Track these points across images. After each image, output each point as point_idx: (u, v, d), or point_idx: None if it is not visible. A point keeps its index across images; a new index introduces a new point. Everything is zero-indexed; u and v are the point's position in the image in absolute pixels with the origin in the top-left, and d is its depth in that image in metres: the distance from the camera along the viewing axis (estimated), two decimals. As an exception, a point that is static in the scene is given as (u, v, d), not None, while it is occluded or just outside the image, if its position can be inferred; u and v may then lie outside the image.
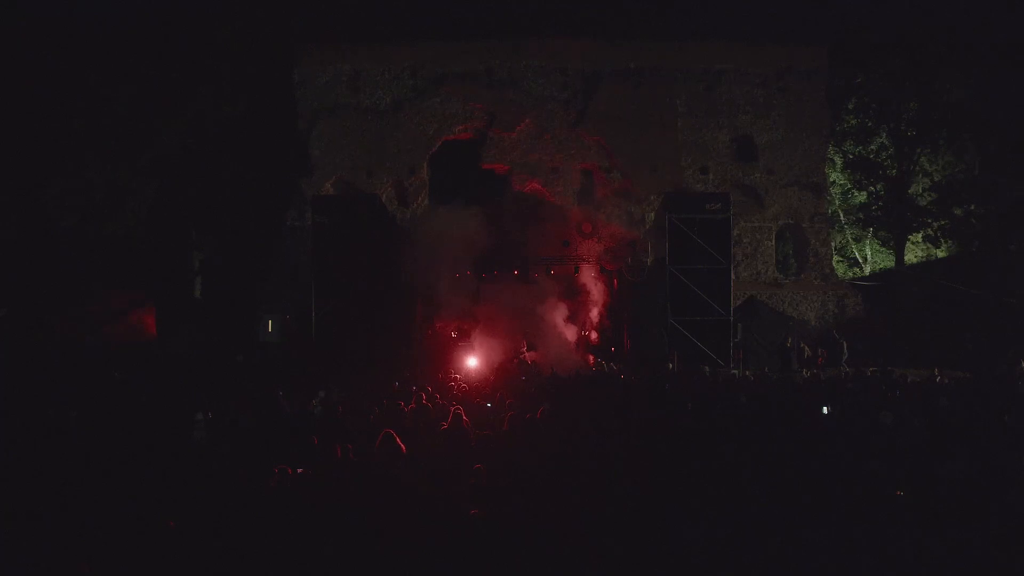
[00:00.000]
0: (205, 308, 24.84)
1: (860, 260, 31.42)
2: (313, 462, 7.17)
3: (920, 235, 28.73)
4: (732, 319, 21.41)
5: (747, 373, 19.62)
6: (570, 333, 24.77)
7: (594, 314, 25.71)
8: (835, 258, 28.92)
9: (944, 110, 27.66)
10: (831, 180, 29.39)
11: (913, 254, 29.55)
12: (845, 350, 22.50)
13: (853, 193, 30.28)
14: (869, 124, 29.08)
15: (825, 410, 10.23)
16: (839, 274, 28.52)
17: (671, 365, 20.37)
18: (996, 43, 27.06)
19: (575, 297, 25.48)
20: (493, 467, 6.73)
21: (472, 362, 21.31)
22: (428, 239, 21.41)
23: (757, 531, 5.15)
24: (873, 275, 29.72)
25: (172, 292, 24.55)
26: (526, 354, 23.56)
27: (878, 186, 28.75)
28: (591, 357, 23.06)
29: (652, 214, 25.39)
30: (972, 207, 27.32)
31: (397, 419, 9.26)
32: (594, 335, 24.98)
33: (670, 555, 4.68)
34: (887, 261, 30.27)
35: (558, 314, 24.40)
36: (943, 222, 27.71)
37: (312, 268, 20.19)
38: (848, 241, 31.44)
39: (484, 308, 24.71)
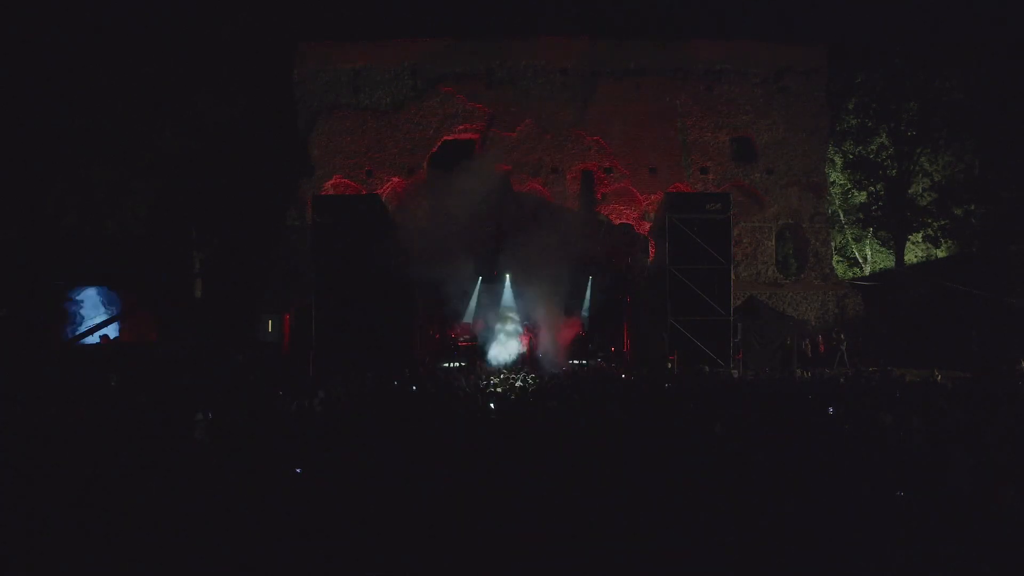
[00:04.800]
0: (205, 308, 24.82)
1: (860, 260, 31.42)
2: (312, 462, 7.17)
3: (920, 235, 28.73)
4: (732, 319, 21.39)
5: (747, 373, 19.63)
6: (568, 333, 24.79)
7: (593, 315, 25.75)
8: (835, 258, 28.92)
9: (944, 110, 27.66)
10: (831, 180, 29.39)
11: (913, 254, 29.55)
12: (845, 348, 22.52)
13: (853, 193, 30.27)
14: (869, 124, 29.07)
15: (831, 410, 10.20)
16: (839, 274, 28.52)
17: (671, 365, 20.36)
18: (996, 43, 27.06)
19: (575, 297, 25.53)
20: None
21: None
22: (428, 239, 21.42)
23: (758, 530, 5.14)
24: (873, 275, 29.72)
25: (172, 292, 24.54)
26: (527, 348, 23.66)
27: (878, 186, 28.75)
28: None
29: (652, 214, 25.39)
30: (972, 207, 27.31)
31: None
32: (583, 335, 25.06)
33: (672, 555, 4.67)
34: (887, 261, 30.27)
35: (557, 314, 24.41)
36: (943, 222, 27.70)
37: (312, 268, 20.17)
38: (848, 241, 31.44)
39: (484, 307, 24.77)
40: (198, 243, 25.61)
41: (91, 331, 21.20)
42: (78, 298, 22.95)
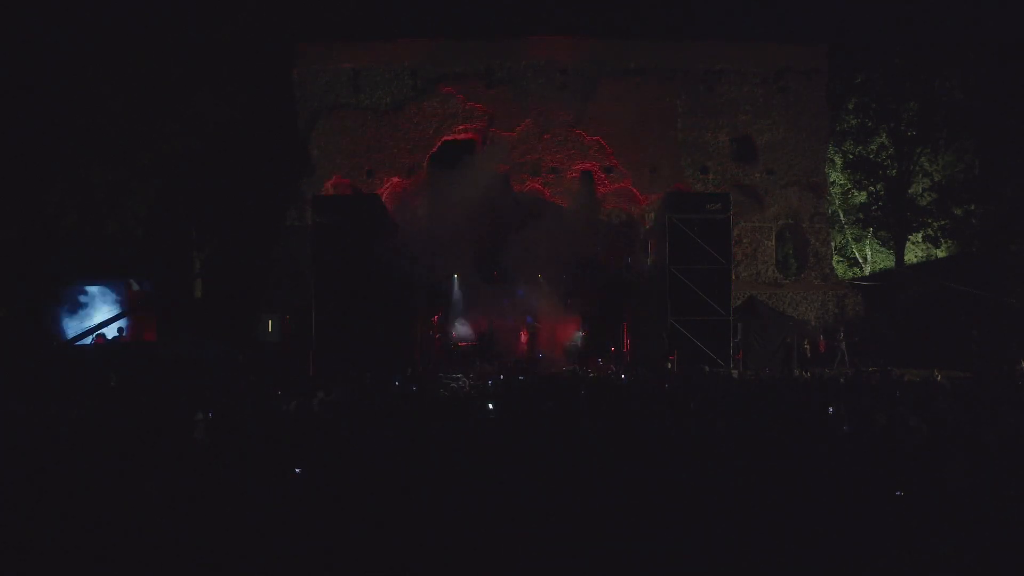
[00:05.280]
0: (205, 308, 24.83)
1: (860, 260, 31.43)
2: (311, 462, 7.17)
3: (920, 235, 28.74)
4: (732, 319, 21.39)
5: (747, 373, 19.62)
6: (568, 333, 24.80)
7: (592, 315, 25.75)
8: (835, 258, 28.91)
9: (944, 110, 27.66)
10: (831, 180, 29.39)
11: (913, 254, 29.55)
12: (845, 348, 22.53)
13: (853, 193, 30.28)
14: (869, 124, 29.07)
15: (830, 410, 10.20)
16: (839, 274, 28.51)
17: (671, 365, 20.36)
18: (996, 43, 27.05)
19: (576, 297, 25.53)
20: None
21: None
22: (428, 239, 21.43)
23: (757, 530, 5.14)
24: (873, 275, 29.72)
25: (172, 292, 24.54)
26: (526, 349, 23.69)
27: (878, 186, 28.75)
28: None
29: (652, 214, 25.41)
30: (972, 207, 27.32)
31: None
32: (583, 335, 25.06)
33: (669, 555, 4.68)
34: (887, 261, 30.27)
35: (556, 314, 24.44)
36: (943, 222, 27.71)
37: (312, 268, 20.18)
38: (848, 241, 31.44)
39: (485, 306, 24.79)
40: (198, 243, 25.62)
41: (93, 330, 21.19)
42: (82, 297, 22.86)
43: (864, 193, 29.58)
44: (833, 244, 28.22)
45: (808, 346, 23.02)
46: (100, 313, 21.95)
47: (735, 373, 19.60)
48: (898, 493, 5.76)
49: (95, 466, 7.15)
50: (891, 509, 5.43)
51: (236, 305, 24.14)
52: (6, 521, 5.62)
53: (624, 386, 15.07)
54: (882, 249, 30.63)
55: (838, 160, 30.00)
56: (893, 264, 29.14)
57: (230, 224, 25.58)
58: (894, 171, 28.37)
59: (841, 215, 30.76)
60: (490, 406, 10.59)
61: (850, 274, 30.24)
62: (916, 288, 26.04)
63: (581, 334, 25.29)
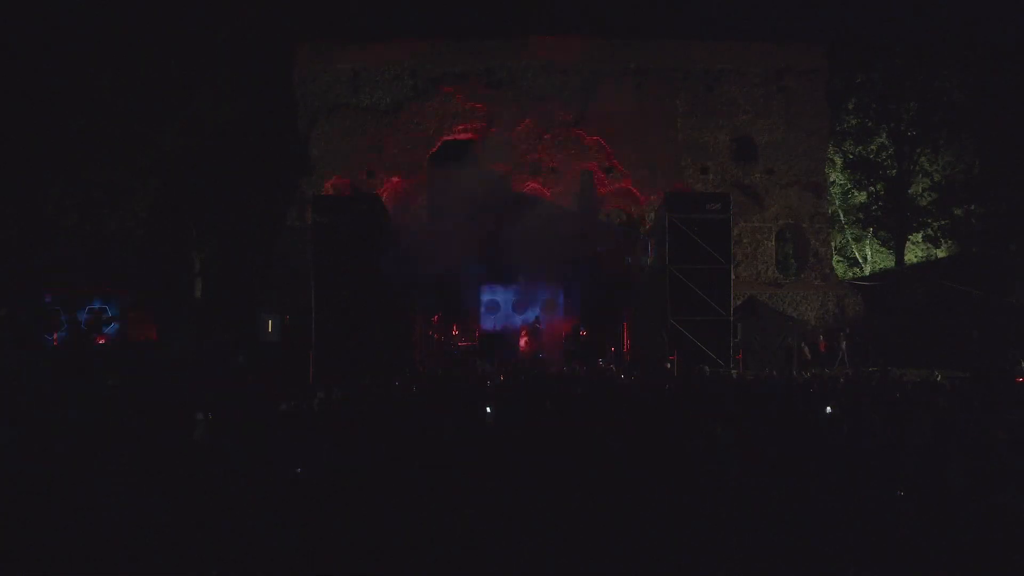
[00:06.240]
0: (205, 308, 24.83)
1: (860, 260, 31.43)
2: (311, 462, 7.17)
3: (920, 235, 28.74)
4: (732, 319, 21.37)
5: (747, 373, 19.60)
6: (568, 333, 24.78)
7: (593, 315, 25.72)
8: (835, 258, 28.91)
9: (944, 110, 27.67)
10: (831, 180, 29.39)
11: (913, 254, 29.55)
12: (845, 348, 22.51)
13: (853, 193, 30.29)
14: (869, 124, 29.09)
15: (828, 410, 10.18)
16: (839, 274, 28.51)
17: (671, 365, 20.34)
18: (996, 43, 27.09)
19: (576, 297, 25.53)
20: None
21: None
22: (428, 239, 21.42)
23: (756, 529, 5.14)
24: (873, 275, 29.72)
25: (172, 293, 24.56)
26: (528, 349, 23.66)
27: (878, 186, 28.76)
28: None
29: (652, 214, 25.40)
30: (972, 207, 27.32)
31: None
32: (584, 335, 25.01)
33: (668, 555, 4.68)
34: (887, 261, 30.28)
35: (556, 314, 24.43)
36: (943, 222, 27.71)
37: (312, 268, 20.17)
38: (848, 241, 31.45)
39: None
40: (198, 243, 25.61)
41: (89, 333, 21.19)
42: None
43: (864, 193, 29.60)
44: (833, 244, 28.22)
45: (807, 348, 23.01)
46: None
47: (735, 373, 19.58)
48: (898, 493, 5.76)
49: (94, 466, 7.15)
50: (891, 509, 5.44)
51: (236, 305, 24.14)
52: (6, 522, 5.62)
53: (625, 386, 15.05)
54: (882, 249, 30.63)
55: (838, 160, 30.01)
56: (893, 264, 29.15)
57: (230, 224, 25.59)
58: (894, 171, 28.38)
59: (841, 215, 30.77)
60: (488, 409, 10.55)
61: (850, 274, 30.24)
62: (916, 288, 26.05)
63: (582, 334, 25.26)
